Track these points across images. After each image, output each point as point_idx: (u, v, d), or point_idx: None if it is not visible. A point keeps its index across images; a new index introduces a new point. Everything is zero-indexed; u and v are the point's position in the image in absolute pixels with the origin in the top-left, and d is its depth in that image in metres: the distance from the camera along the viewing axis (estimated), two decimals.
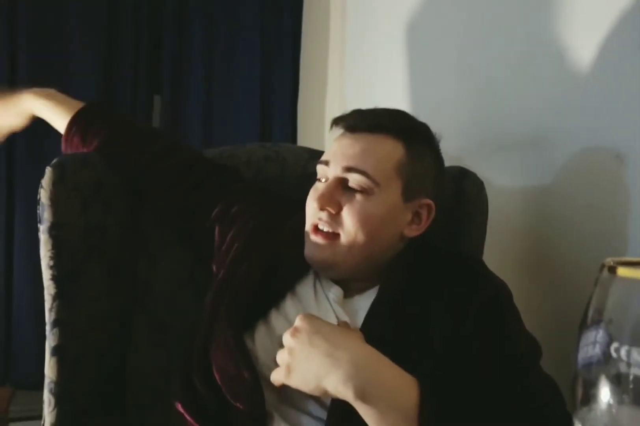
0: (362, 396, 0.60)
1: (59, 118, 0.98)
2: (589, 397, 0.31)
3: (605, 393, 0.30)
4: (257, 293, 0.78)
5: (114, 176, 0.96)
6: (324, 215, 0.76)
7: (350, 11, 1.75)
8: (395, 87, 1.48)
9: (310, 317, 0.66)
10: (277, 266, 0.81)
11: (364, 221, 0.75)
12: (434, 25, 1.35)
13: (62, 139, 0.98)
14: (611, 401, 0.30)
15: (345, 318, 0.75)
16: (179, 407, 0.75)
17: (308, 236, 0.78)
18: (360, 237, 0.75)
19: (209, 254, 0.91)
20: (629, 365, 0.28)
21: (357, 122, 0.78)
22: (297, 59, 1.90)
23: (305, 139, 1.82)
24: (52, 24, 1.75)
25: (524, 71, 1.04)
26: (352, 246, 0.75)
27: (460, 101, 1.24)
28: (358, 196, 0.75)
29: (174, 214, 0.95)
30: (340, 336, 0.64)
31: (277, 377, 0.66)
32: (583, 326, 0.31)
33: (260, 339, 0.75)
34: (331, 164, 0.77)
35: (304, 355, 0.63)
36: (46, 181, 0.90)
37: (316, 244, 0.76)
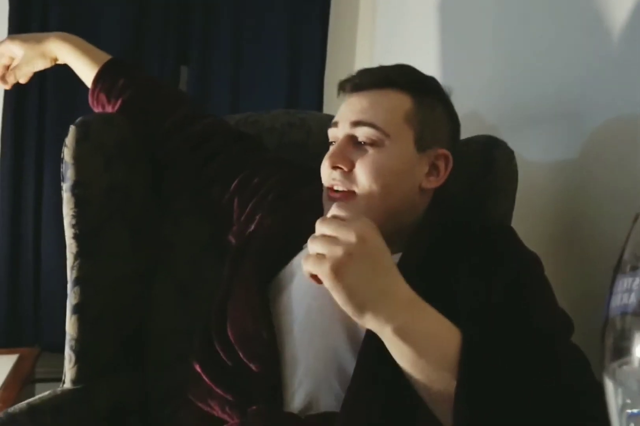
0: (401, 333, 0.57)
1: (85, 68, 0.98)
2: (621, 350, 0.29)
3: (638, 341, 0.28)
4: (278, 251, 0.77)
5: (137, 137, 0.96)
6: (337, 174, 0.74)
7: None
8: (427, 58, 1.44)
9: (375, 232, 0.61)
10: (297, 233, 0.79)
11: (378, 173, 0.73)
12: None
13: (89, 94, 0.98)
14: None
15: None
16: (197, 367, 0.75)
17: (325, 200, 0.77)
18: (376, 190, 0.73)
19: (227, 226, 0.90)
20: None
21: (363, 79, 0.77)
22: (326, 27, 1.87)
23: (331, 108, 1.80)
24: None
25: (556, 41, 1.00)
26: (369, 201, 0.73)
27: (493, 72, 1.20)
28: (369, 150, 0.74)
29: (192, 183, 0.95)
30: (394, 272, 0.60)
31: (318, 270, 0.58)
32: (618, 271, 0.29)
33: (284, 300, 0.73)
34: (340, 124, 0.76)
35: (365, 267, 0.57)
36: (70, 139, 0.90)
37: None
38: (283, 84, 1.86)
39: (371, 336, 0.61)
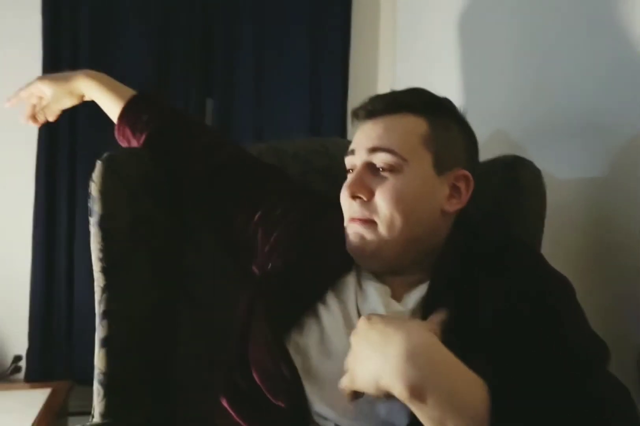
0: (417, 394, 0.53)
1: (110, 104, 1.01)
2: None
3: None
4: (295, 289, 0.76)
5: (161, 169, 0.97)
6: (356, 204, 0.74)
7: (401, 4, 1.72)
8: (447, 78, 1.44)
9: (370, 315, 0.62)
10: (317, 263, 0.79)
11: (398, 200, 0.72)
12: (489, 13, 1.31)
13: (115, 129, 1.00)
14: None
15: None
16: (224, 403, 0.74)
17: (347, 230, 0.76)
18: (397, 217, 0.72)
19: (251, 256, 0.89)
20: None
21: (375, 106, 0.76)
22: (347, 55, 1.89)
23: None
24: (109, 29, 1.80)
25: (579, 55, 0.99)
26: (391, 229, 0.72)
27: (515, 88, 1.19)
28: (388, 176, 0.73)
29: (215, 213, 0.94)
30: (392, 328, 0.58)
31: (344, 383, 0.61)
32: None
33: (311, 333, 0.73)
34: (356, 152, 0.76)
35: (363, 355, 0.59)
36: (96, 174, 0.92)
37: (354, 234, 0.74)
38: (305, 113, 1.87)
39: None
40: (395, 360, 0.55)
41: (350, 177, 0.75)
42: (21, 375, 1.72)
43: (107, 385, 0.89)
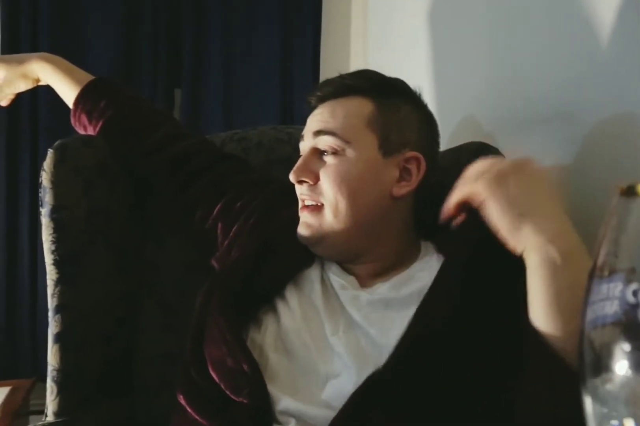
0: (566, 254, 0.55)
1: (66, 89, 0.96)
2: (601, 366, 0.25)
3: (623, 361, 0.24)
4: (252, 283, 0.73)
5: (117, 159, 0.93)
6: (304, 189, 0.73)
7: None
8: (419, 64, 1.42)
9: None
10: (276, 256, 0.77)
11: (341, 182, 0.71)
12: (463, 2, 1.29)
13: (71, 115, 0.96)
14: (631, 371, 0.24)
15: (354, 310, 0.69)
16: (181, 399, 0.71)
17: (301, 213, 0.75)
18: (342, 200, 0.71)
19: (211, 249, 0.86)
20: None
21: (324, 90, 0.76)
22: (318, 42, 1.86)
23: None
24: (72, 18, 1.75)
25: (548, 43, 0.98)
26: (336, 212, 0.71)
27: (486, 76, 1.17)
28: (331, 159, 0.72)
29: (175, 205, 0.91)
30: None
31: (476, 185, 0.58)
32: (593, 276, 0.25)
33: (268, 329, 0.71)
34: (305, 137, 0.76)
35: (525, 179, 0.59)
36: (47, 163, 0.88)
37: (304, 221, 0.74)
38: (276, 103, 1.85)
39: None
40: (553, 217, 0.57)
41: (297, 162, 0.75)
42: None
43: (60, 383, 0.86)
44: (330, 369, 0.66)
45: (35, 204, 1.70)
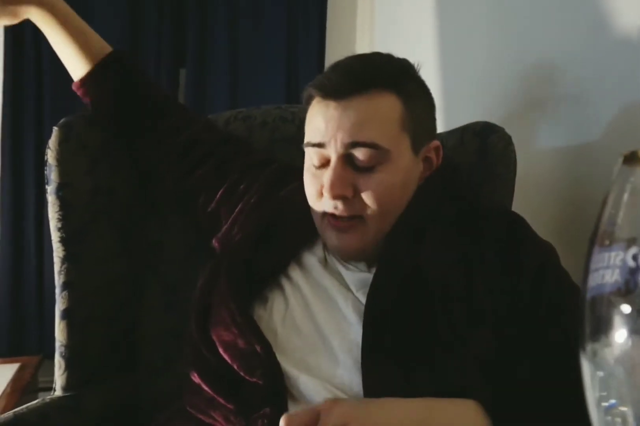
0: None
1: (68, 52, 0.84)
2: (600, 333, 0.25)
3: (622, 324, 0.24)
4: (256, 263, 0.73)
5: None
6: (339, 204, 0.66)
7: None
8: (425, 45, 1.40)
9: (342, 407, 0.54)
10: (275, 235, 0.75)
11: (386, 193, 0.67)
12: None
13: (73, 85, 0.87)
14: (629, 334, 0.24)
15: (356, 286, 0.69)
16: (195, 377, 0.71)
17: (324, 227, 0.70)
18: (387, 209, 0.67)
19: (214, 232, 0.85)
20: None
21: (340, 84, 0.66)
22: (324, 22, 1.84)
23: None
24: None
25: (556, 24, 0.96)
26: (382, 222, 0.68)
27: (492, 57, 1.16)
28: (373, 171, 0.66)
29: (180, 189, 0.90)
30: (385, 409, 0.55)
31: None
32: (594, 244, 0.25)
33: (275, 308, 0.70)
34: (328, 146, 0.66)
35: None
36: (53, 141, 0.88)
37: (340, 234, 0.68)
38: (281, 82, 1.83)
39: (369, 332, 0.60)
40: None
41: (327, 175, 0.66)
42: None
43: (68, 358, 0.87)
44: (342, 343, 0.66)
45: (40, 182, 1.70)
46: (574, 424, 0.44)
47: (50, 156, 0.88)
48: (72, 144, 0.89)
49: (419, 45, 1.45)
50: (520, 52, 1.07)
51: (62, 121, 0.90)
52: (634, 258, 0.23)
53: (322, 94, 0.67)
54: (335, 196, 0.66)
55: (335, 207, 0.67)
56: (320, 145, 0.67)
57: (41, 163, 1.70)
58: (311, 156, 0.69)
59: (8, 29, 1.67)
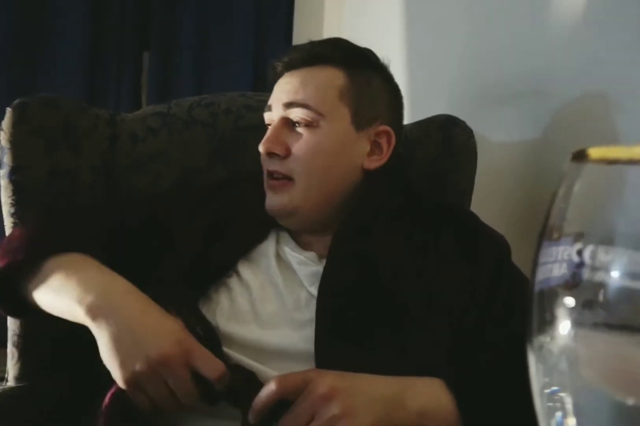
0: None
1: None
2: (546, 326, 0.25)
3: (566, 316, 0.25)
4: (202, 261, 0.71)
5: (84, 118, 0.90)
6: (274, 161, 0.71)
7: None
8: (394, 38, 1.40)
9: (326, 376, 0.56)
10: (221, 234, 0.74)
11: (314, 155, 0.70)
12: None
13: None
14: (573, 326, 0.25)
15: (309, 281, 0.69)
16: None
17: (266, 188, 0.73)
18: (314, 174, 0.70)
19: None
20: (593, 269, 0.23)
21: (293, 58, 0.74)
22: (291, 6, 1.82)
23: None
24: None
25: (520, 19, 0.98)
26: (308, 185, 0.70)
27: (459, 51, 1.17)
28: (304, 132, 0.71)
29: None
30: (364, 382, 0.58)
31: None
32: (543, 237, 0.26)
33: (220, 305, 0.69)
34: (273, 107, 0.73)
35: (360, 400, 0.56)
36: (6, 122, 0.85)
37: (273, 194, 0.72)
38: (249, 68, 1.81)
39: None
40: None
41: (267, 133, 0.73)
42: None
43: (21, 348, 0.85)
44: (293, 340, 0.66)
45: None
46: (527, 406, 0.47)
47: (3, 138, 0.85)
48: (27, 126, 0.86)
49: (387, 40, 1.45)
50: (489, 46, 1.08)
51: (16, 101, 0.87)
52: (579, 252, 0.23)
53: (279, 68, 0.76)
54: (265, 150, 0.71)
55: (270, 165, 0.72)
56: (269, 107, 0.75)
57: None
58: (265, 120, 0.76)
59: None
